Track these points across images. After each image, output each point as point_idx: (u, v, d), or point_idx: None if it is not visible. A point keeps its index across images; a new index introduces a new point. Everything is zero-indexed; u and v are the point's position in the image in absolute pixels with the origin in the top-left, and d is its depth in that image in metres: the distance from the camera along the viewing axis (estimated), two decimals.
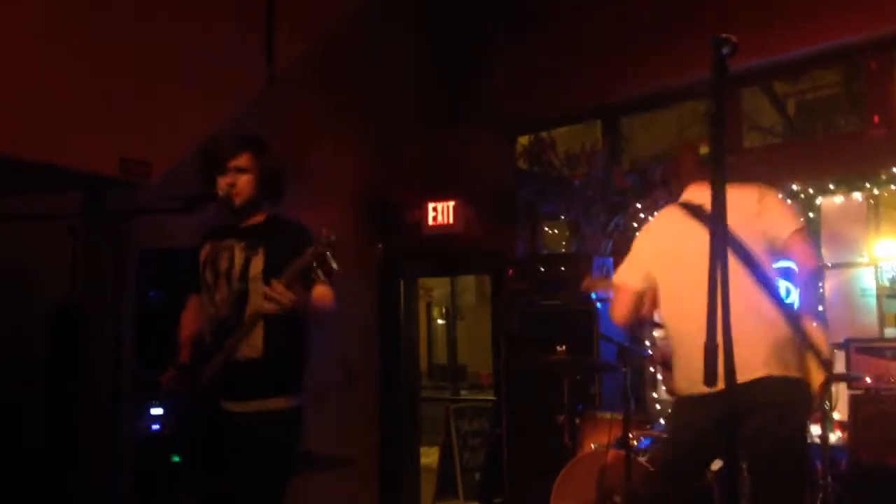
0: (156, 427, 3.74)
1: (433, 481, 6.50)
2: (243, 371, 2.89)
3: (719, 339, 1.58)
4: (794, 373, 2.89)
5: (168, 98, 4.23)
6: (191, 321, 3.15)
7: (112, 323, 3.58)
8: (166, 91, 4.24)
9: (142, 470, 3.70)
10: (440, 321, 11.65)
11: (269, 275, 2.84)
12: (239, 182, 2.97)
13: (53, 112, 3.83)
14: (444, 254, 6.02)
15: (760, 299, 2.93)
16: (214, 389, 2.93)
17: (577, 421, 4.35)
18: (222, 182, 2.96)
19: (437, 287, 10.76)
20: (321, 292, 2.90)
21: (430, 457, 6.94)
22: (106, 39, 4.07)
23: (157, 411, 3.75)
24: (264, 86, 4.88)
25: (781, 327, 2.90)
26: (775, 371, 2.85)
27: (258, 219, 3.07)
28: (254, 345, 2.89)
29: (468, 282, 10.43)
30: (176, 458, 3.79)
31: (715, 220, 1.66)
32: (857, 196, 4.78)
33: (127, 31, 4.15)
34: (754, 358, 2.83)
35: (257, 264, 2.91)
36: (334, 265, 2.77)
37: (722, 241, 1.62)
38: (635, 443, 3.91)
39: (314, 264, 2.76)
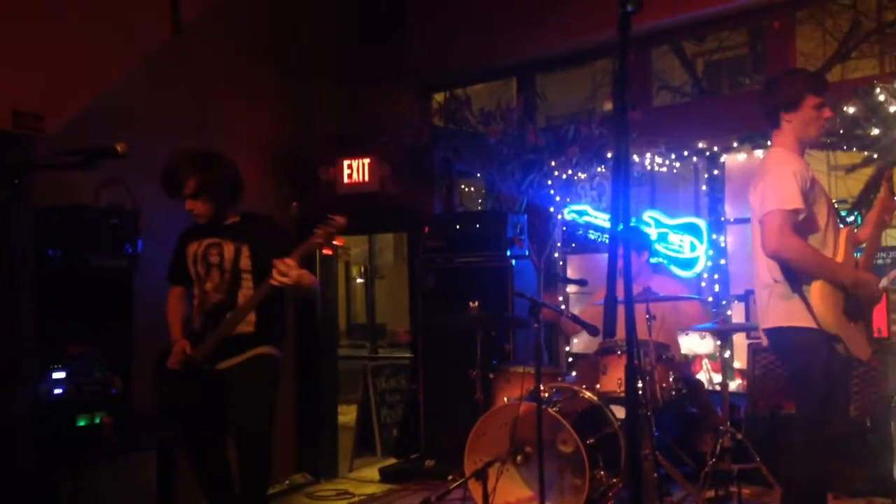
0: (58, 391, 3.62)
1: (351, 438, 6.53)
2: (236, 340, 3.38)
3: None
4: None
5: (64, 48, 4.02)
6: (178, 312, 3.59)
7: (8, 284, 3.43)
8: (62, 40, 4.02)
9: (45, 434, 3.58)
10: (359, 280, 11.61)
11: (256, 266, 3.37)
12: (196, 207, 3.41)
13: None
14: (361, 212, 5.94)
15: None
16: (206, 360, 3.39)
17: (491, 375, 4.42)
18: (186, 206, 3.42)
19: (356, 246, 10.69)
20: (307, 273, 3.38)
21: (348, 415, 6.96)
22: None
23: (59, 375, 3.63)
24: (169, 36, 4.68)
25: None
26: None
27: (234, 219, 3.50)
28: (248, 320, 3.38)
29: (386, 240, 10.40)
30: (81, 422, 3.69)
31: (614, 175, 1.69)
32: (759, 154, 4.95)
33: None
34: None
35: (245, 260, 3.40)
36: (337, 244, 3.38)
37: (621, 198, 1.65)
38: (546, 395, 4.01)
39: (322, 243, 3.27)
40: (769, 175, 3.11)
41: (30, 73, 3.83)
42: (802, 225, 3.03)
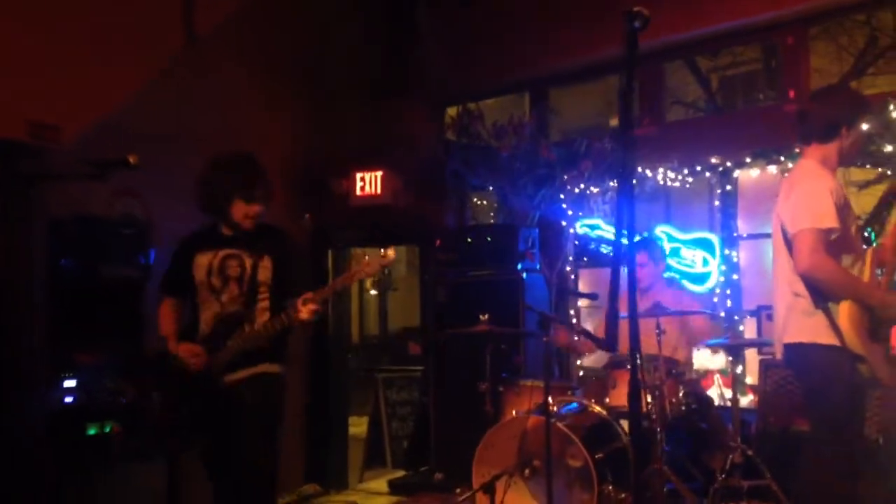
0: (69, 399, 3.65)
1: (362, 450, 6.53)
2: (247, 352, 3.38)
3: None
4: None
5: (80, 60, 4.08)
6: (173, 322, 3.53)
7: (23, 293, 3.47)
8: (78, 52, 4.08)
9: (56, 442, 3.61)
10: (372, 292, 11.64)
11: (277, 281, 3.43)
12: (262, 211, 3.46)
13: None
14: (374, 224, 5.99)
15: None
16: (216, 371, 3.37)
17: (500, 388, 4.41)
18: (253, 208, 3.41)
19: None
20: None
21: (359, 426, 6.96)
22: None
23: (70, 383, 3.66)
24: (184, 48, 4.72)
25: None
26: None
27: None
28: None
29: (400, 252, 10.39)
30: (91, 431, 3.71)
31: (620, 191, 1.70)
32: (772, 169, 4.94)
33: None
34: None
35: (265, 272, 3.42)
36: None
37: (626, 215, 1.66)
38: (555, 409, 4.00)
39: (362, 278, 3.49)
40: (803, 189, 3.04)
41: (46, 84, 3.89)
42: (836, 244, 2.97)
